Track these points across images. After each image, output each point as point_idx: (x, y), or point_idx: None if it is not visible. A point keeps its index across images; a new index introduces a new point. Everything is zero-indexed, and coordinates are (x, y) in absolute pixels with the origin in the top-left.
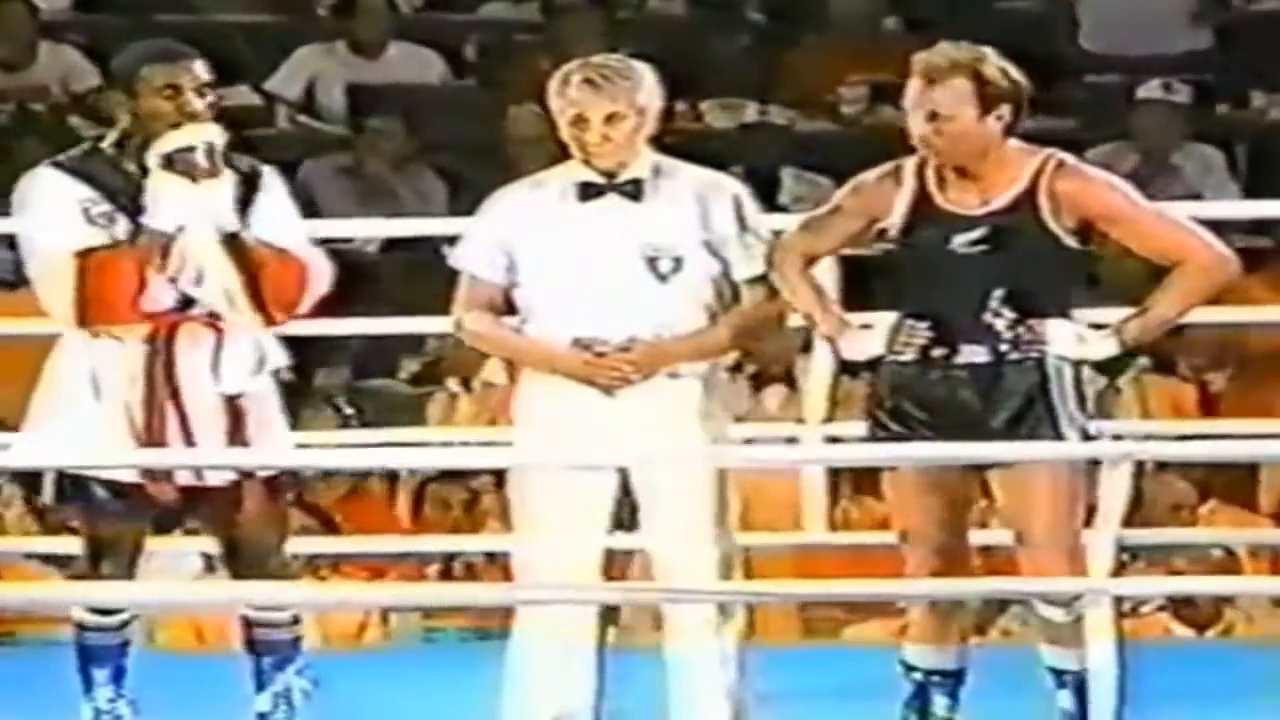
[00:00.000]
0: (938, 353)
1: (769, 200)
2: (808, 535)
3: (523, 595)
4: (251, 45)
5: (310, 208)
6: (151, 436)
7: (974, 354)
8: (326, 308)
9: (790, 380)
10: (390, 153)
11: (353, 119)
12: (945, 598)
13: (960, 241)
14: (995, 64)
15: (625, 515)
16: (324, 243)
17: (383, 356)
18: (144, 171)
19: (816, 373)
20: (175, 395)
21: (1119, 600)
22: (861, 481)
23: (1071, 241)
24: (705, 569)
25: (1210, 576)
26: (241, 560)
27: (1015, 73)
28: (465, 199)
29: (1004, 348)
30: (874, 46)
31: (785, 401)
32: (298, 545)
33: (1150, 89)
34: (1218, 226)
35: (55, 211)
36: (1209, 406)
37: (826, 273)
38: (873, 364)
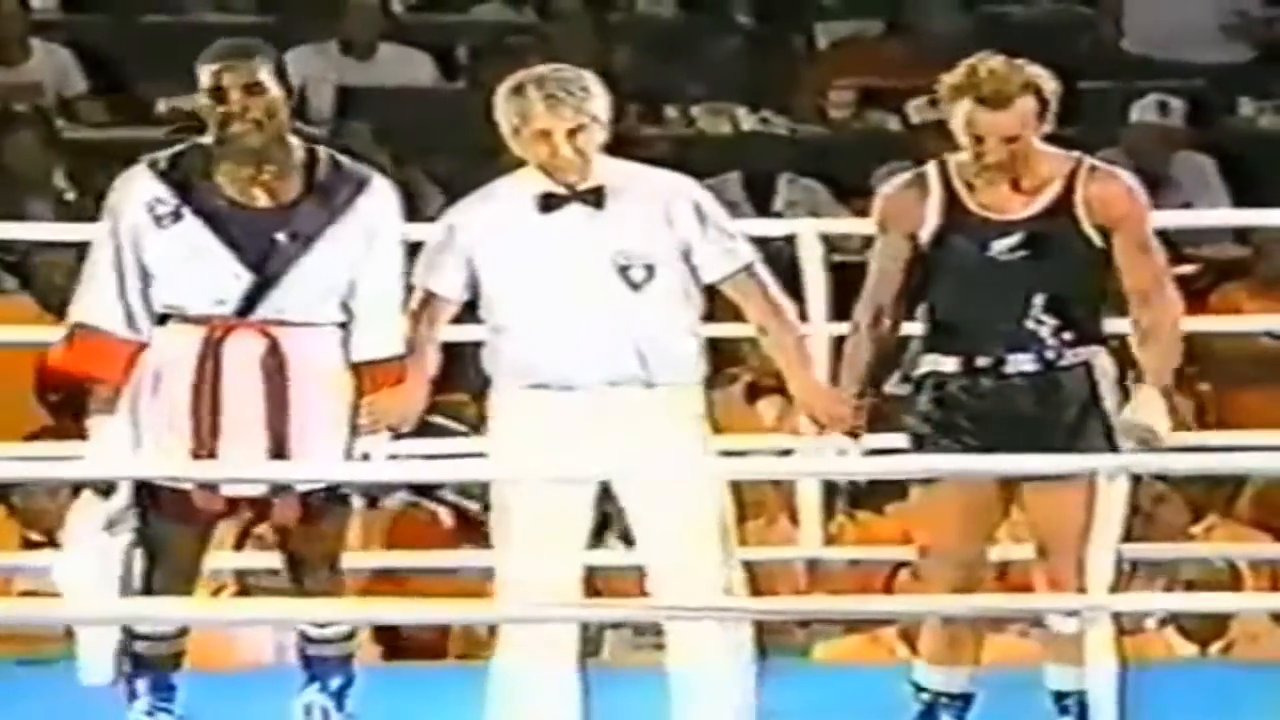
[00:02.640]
0: (983, 362)
1: (764, 206)
2: (805, 550)
3: (508, 613)
4: None
5: None
6: (200, 445)
7: (1022, 363)
8: None
9: (786, 391)
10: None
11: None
12: (950, 615)
13: (1000, 248)
14: (1043, 74)
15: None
16: None
17: None
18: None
19: None
20: (217, 401)
21: (1119, 616)
22: (859, 496)
23: (1100, 243)
24: (702, 584)
25: (1212, 592)
26: (293, 575)
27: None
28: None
29: (1051, 355)
30: (864, 51)
31: (781, 412)
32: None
33: (1146, 109)
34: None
35: (123, 211)
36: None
37: (818, 284)
38: (906, 376)
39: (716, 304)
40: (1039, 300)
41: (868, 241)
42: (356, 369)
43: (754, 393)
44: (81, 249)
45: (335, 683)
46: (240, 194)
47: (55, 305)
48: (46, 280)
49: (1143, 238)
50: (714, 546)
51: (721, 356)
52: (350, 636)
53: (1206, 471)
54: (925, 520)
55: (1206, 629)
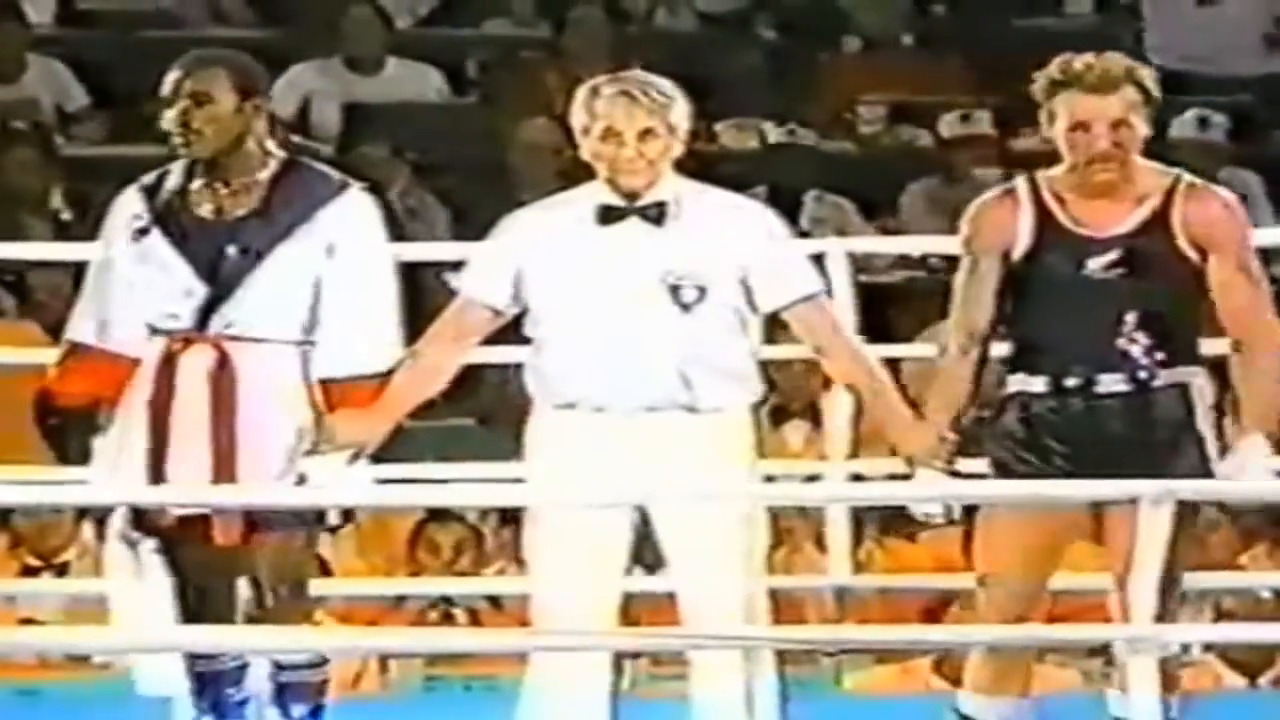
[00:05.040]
0: (1073, 382)
1: (790, 224)
2: (834, 578)
3: (538, 641)
4: None
5: None
6: (151, 459)
7: (1115, 383)
8: None
9: (814, 416)
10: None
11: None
12: (988, 645)
13: (1095, 265)
14: (1141, 66)
15: (648, 555)
16: None
17: None
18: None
19: (840, 408)
20: (168, 416)
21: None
22: (889, 523)
23: (1198, 260)
24: (730, 612)
25: (1260, 623)
26: (254, 597)
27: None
28: (467, 222)
29: (1143, 375)
30: (891, 64)
31: (808, 438)
32: None
33: (1185, 124)
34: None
35: (110, 229)
36: None
37: (845, 305)
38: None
39: None
40: (1131, 318)
41: (896, 261)
42: (318, 386)
43: (779, 417)
44: (78, 269)
45: (311, 710)
46: (202, 208)
47: (52, 325)
48: (43, 300)
49: (1242, 260)
50: (746, 575)
51: None
52: (324, 663)
53: (1258, 499)
54: (988, 547)
55: (1256, 660)
